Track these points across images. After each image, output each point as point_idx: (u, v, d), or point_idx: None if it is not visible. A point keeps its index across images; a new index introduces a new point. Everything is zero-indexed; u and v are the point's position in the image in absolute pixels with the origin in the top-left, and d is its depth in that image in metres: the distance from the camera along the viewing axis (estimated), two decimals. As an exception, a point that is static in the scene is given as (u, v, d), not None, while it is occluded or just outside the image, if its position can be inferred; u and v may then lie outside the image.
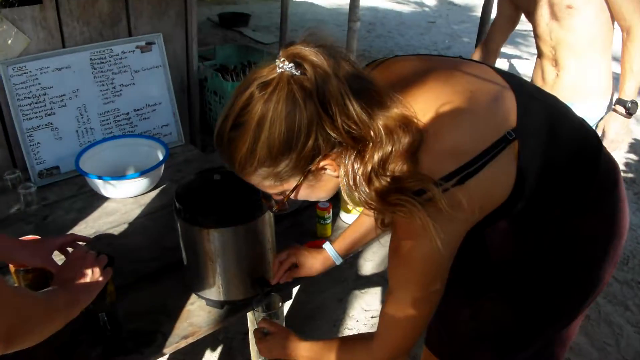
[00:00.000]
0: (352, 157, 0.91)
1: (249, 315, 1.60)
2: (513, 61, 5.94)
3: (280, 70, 0.87)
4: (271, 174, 0.93)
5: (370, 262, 2.75)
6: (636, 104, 1.97)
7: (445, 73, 1.05)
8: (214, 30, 6.79)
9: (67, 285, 1.10)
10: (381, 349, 1.11)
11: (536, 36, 2.14)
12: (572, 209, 1.08)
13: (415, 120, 0.92)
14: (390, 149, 0.89)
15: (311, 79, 0.85)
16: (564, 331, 1.25)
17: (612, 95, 2.14)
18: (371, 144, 0.89)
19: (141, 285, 1.53)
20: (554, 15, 2.01)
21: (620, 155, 4.08)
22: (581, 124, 1.12)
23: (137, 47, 2.29)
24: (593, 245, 1.13)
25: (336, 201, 1.85)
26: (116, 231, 1.77)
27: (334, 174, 0.95)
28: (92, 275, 1.14)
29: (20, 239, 1.32)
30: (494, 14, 4.05)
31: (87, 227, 1.79)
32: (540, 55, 2.20)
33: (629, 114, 2.00)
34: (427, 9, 8.80)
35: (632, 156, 4.22)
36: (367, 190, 0.91)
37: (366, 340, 1.15)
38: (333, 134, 0.87)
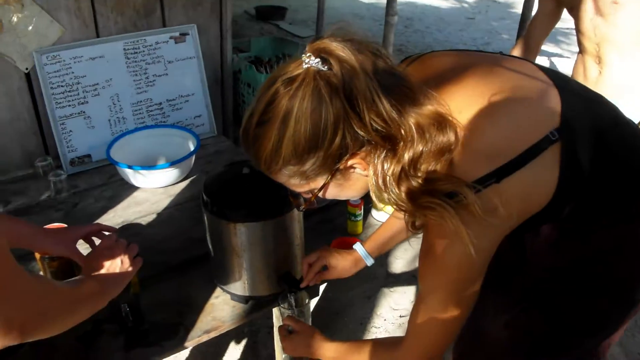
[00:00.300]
0: (382, 156, 0.87)
1: (275, 310, 1.57)
2: (554, 59, 5.77)
3: (307, 65, 0.83)
4: (297, 172, 0.89)
5: (401, 260, 2.69)
6: None
7: (485, 69, 0.99)
8: (251, 23, 6.80)
9: (95, 275, 1.08)
10: (408, 355, 1.06)
11: (579, 32, 2.04)
12: (620, 217, 1.01)
13: (450, 119, 0.88)
14: (422, 148, 0.85)
15: (337, 74, 0.81)
16: (601, 345, 1.18)
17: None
18: (402, 142, 0.85)
19: (167, 276, 1.51)
20: (598, 10, 1.90)
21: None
22: (630, 125, 1.04)
23: (170, 37, 2.28)
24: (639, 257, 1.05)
25: (368, 198, 1.79)
26: (144, 221, 1.76)
27: (363, 173, 0.91)
28: (121, 265, 1.13)
29: (45, 226, 1.31)
30: (535, 10, 3.95)
31: (116, 215, 1.78)
32: (582, 51, 2.09)
33: None
34: (466, 5, 8.65)
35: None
36: (397, 191, 0.87)
37: (393, 345, 1.10)
38: (361, 132, 0.83)
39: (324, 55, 0.83)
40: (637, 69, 1.97)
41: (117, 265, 1.12)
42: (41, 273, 1.41)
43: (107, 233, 1.34)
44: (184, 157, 1.91)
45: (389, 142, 0.85)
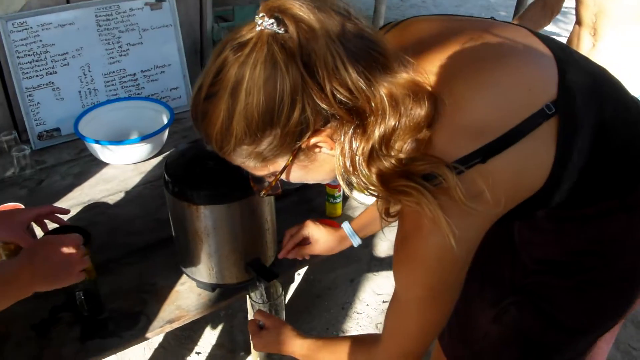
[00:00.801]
0: (350, 133, 0.75)
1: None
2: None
3: (260, 28, 0.72)
4: (253, 153, 0.78)
5: (386, 243, 2.61)
6: None
7: (472, 34, 0.86)
8: (240, -9, 6.60)
9: (35, 263, 0.97)
10: (387, 353, 0.97)
11: (579, 2, 1.93)
12: (619, 206, 0.90)
13: (429, 89, 0.77)
14: (394, 123, 0.74)
15: (293, 37, 0.70)
16: (597, 342, 1.08)
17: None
18: (371, 116, 0.73)
19: (130, 260, 1.43)
20: None
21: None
22: (635, 102, 0.92)
23: (146, 4, 2.14)
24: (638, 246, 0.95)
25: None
26: (111, 200, 1.66)
27: (331, 153, 0.79)
28: (65, 268, 1.00)
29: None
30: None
31: (82, 193, 1.69)
32: (578, 22, 1.98)
33: None
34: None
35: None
36: (367, 173, 0.76)
37: (370, 345, 1.01)
38: (323, 105, 0.72)
39: (278, 15, 0.71)
40: (631, 46, 1.86)
41: (62, 264, 1.00)
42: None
43: (61, 216, 1.25)
44: (155, 132, 1.81)
45: (357, 116, 0.74)
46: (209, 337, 2.08)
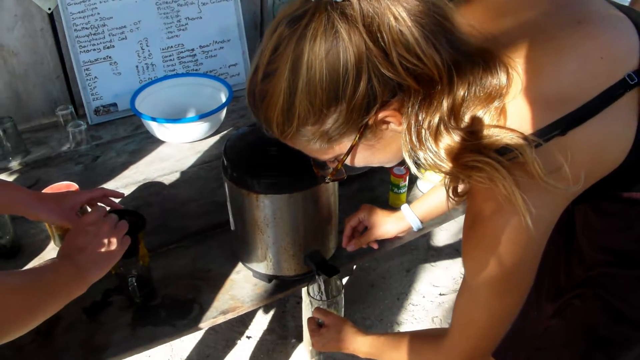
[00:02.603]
0: (416, 105, 0.70)
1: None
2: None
3: None
4: (317, 133, 0.73)
5: (445, 232, 2.49)
6: None
7: (546, 2, 0.80)
8: (300, -34, 6.49)
9: (73, 256, 0.93)
10: (455, 350, 0.90)
11: None
12: None
13: (502, 57, 0.71)
14: (463, 92, 0.69)
15: (353, 2, 0.65)
16: None
17: None
18: (439, 86, 0.68)
19: (185, 244, 1.38)
20: None
21: None
22: None
23: (207, -24, 2.08)
24: None
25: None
26: (167, 180, 1.61)
27: (398, 129, 0.74)
28: (107, 245, 0.96)
29: (49, 187, 1.18)
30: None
31: (137, 172, 1.65)
32: None
33: None
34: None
35: None
36: (435, 148, 0.71)
37: (436, 341, 0.94)
38: (389, 73, 0.66)
39: None
40: None
41: (101, 244, 0.95)
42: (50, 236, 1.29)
43: (115, 199, 1.20)
44: (214, 111, 1.75)
45: (424, 85, 0.68)
46: (261, 322, 2.04)
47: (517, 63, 0.71)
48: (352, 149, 0.77)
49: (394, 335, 1.08)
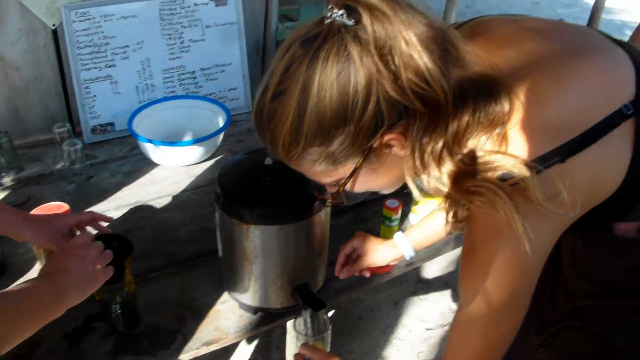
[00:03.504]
0: (422, 130, 0.71)
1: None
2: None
3: (329, 21, 0.68)
4: (323, 154, 0.74)
5: (435, 265, 2.48)
6: None
7: (545, 31, 0.83)
8: (306, -10, 6.55)
9: (56, 277, 0.91)
10: None
11: None
12: None
13: (505, 84, 0.73)
14: (468, 118, 0.70)
15: (367, 26, 0.66)
16: None
17: None
18: (444, 110, 0.69)
19: (173, 270, 1.36)
20: None
21: None
22: None
23: None
24: None
25: (406, 199, 1.61)
26: (159, 203, 1.61)
27: (400, 154, 0.75)
28: (92, 270, 0.95)
29: (39, 208, 1.17)
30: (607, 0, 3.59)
31: (130, 194, 1.64)
32: None
33: None
34: (534, -12, 8.16)
35: None
36: (438, 173, 0.73)
37: None
38: (397, 96, 0.68)
39: (349, 4, 0.67)
40: None
41: (86, 268, 0.94)
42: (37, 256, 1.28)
43: (103, 224, 1.19)
44: (210, 135, 1.75)
45: (430, 109, 0.69)
46: (245, 352, 2.01)
47: (519, 91, 0.73)
48: (354, 172, 0.77)
49: None
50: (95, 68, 1.89)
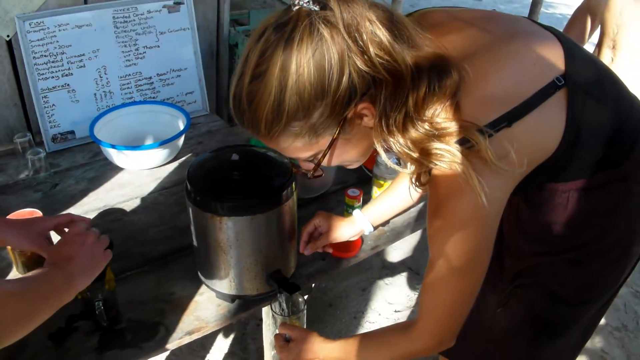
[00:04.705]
0: (388, 99, 0.80)
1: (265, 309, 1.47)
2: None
3: (297, 8, 0.77)
4: (305, 128, 0.82)
5: (398, 251, 2.59)
6: None
7: (483, 19, 0.95)
8: (252, -6, 6.58)
9: (62, 265, 0.97)
10: (425, 334, 0.99)
11: (606, 8, 1.88)
12: (617, 174, 0.96)
13: (452, 62, 0.83)
14: (425, 89, 0.80)
15: (334, 8, 0.76)
16: (598, 314, 1.14)
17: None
18: (404, 83, 0.79)
19: (147, 269, 1.40)
20: None
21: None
22: (627, 89, 1.00)
23: (164, 6, 2.13)
24: (632, 213, 1.00)
25: (367, 188, 1.69)
26: (127, 206, 1.64)
27: (370, 124, 0.85)
28: (92, 254, 1.02)
29: (13, 214, 1.20)
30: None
31: (97, 199, 1.67)
32: (601, 34, 1.96)
33: None
34: (474, -16, 8.42)
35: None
36: (403, 139, 0.82)
37: (405, 329, 1.03)
38: (366, 68, 0.77)
39: None
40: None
41: (87, 254, 1.01)
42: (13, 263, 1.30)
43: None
44: (172, 138, 1.79)
45: (394, 78, 0.79)
46: (221, 345, 2.06)
47: (465, 68, 0.83)
48: (332, 143, 0.85)
49: (362, 335, 1.13)
50: (52, 77, 1.90)
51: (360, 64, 0.76)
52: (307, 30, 0.75)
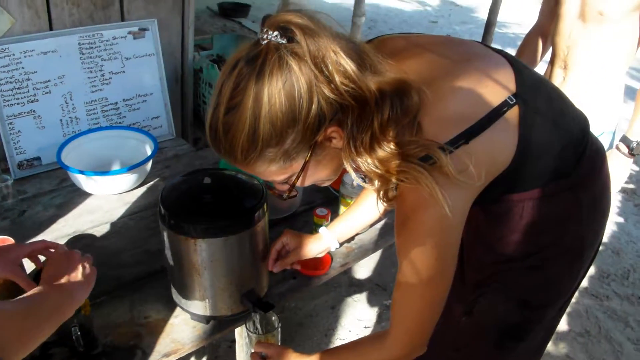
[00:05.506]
0: (354, 123, 0.86)
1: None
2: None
3: (265, 41, 0.82)
4: (279, 153, 0.87)
5: (365, 268, 2.64)
6: None
7: (441, 44, 1.03)
8: (213, 19, 6.63)
9: (57, 283, 1.00)
10: (397, 342, 1.04)
11: (556, 30, 1.98)
12: (566, 183, 1.04)
13: (413, 85, 0.89)
14: (388, 112, 0.85)
15: (300, 41, 0.81)
16: (557, 316, 1.22)
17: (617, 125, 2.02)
18: (369, 107, 0.84)
19: (121, 293, 1.41)
20: (582, 14, 1.86)
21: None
22: (573, 105, 1.09)
23: (129, 32, 2.15)
24: (581, 219, 1.09)
25: (335, 208, 1.74)
26: (97, 231, 1.64)
27: (339, 145, 0.90)
28: (83, 270, 1.05)
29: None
30: (499, 15, 3.94)
31: (66, 225, 1.67)
32: (553, 54, 2.06)
33: (632, 154, 1.85)
34: (429, 8, 8.68)
35: (634, 167, 4.14)
36: (370, 159, 0.87)
37: (378, 339, 1.08)
38: (333, 95, 0.82)
39: (283, 25, 0.82)
40: (599, 88, 1.94)
41: (78, 270, 1.04)
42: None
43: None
44: (141, 162, 1.80)
45: (359, 104, 0.84)
46: (192, 369, 2.06)
47: (424, 91, 0.89)
48: (305, 165, 0.90)
49: (337, 347, 1.18)
50: (18, 104, 1.90)
51: (327, 92, 0.82)
52: (276, 63, 0.80)
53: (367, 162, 0.87)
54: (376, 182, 0.93)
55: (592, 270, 2.93)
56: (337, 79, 0.81)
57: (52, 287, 0.98)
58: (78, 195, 1.81)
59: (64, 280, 1.00)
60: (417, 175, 0.85)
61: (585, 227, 1.10)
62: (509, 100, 0.93)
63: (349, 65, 0.82)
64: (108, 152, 1.96)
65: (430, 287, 0.97)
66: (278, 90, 0.80)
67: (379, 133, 0.85)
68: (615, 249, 3.16)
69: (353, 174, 0.92)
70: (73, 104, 2.03)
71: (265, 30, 0.83)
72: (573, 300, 2.62)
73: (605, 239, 3.24)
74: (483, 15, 3.98)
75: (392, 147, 0.86)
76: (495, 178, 0.96)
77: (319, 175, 0.97)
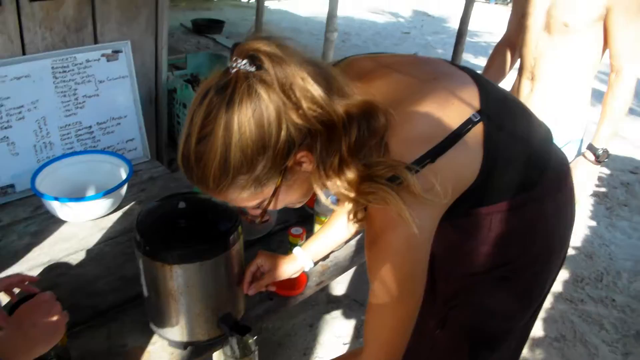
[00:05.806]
0: (322, 147, 0.88)
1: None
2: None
3: (235, 69, 0.84)
4: (250, 180, 0.88)
5: (341, 285, 2.66)
6: (607, 152, 1.89)
7: (407, 64, 1.06)
8: (187, 36, 6.65)
9: (26, 328, 1.00)
10: (372, 358, 1.04)
11: (523, 42, 2.04)
12: (531, 196, 1.07)
13: (379, 107, 0.90)
14: (356, 135, 0.87)
15: (268, 69, 0.82)
16: (528, 324, 1.25)
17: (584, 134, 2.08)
18: (337, 130, 0.86)
19: (98, 321, 1.40)
20: (547, 26, 1.92)
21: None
22: (537, 118, 1.13)
23: (102, 55, 2.16)
24: (547, 229, 1.12)
25: (310, 226, 1.76)
26: (72, 259, 1.64)
27: (309, 169, 0.92)
28: (55, 326, 1.04)
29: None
30: (470, 25, 4.02)
31: (42, 253, 1.66)
32: (521, 65, 2.12)
33: (598, 162, 1.91)
34: (402, 19, 8.81)
35: (605, 170, 4.23)
36: (339, 181, 0.89)
37: (355, 357, 1.09)
38: (301, 121, 0.84)
39: (252, 53, 0.83)
40: (566, 97, 2.00)
41: (51, 324, 1.04)
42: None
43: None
44: (116, 187, 1.80)
45: (327, 128, 0.85)
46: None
47: (390, 112, 0.91)
48: (276, 190, 0.92)
49: None
50: (-10, 131, 1.89)
51: (295, 118, 0.83)
52: (246, 92, 0.82)
53: (336, 185, 0.89)
54: (346, 204, 0.95)
55: (566, 274, 2.99)
56: (305, 104, 0.83)
57: (19, 332, 0.98)
58: (53, 223, 1.80)
59: (33, 328, 1.01)
60: (385, 195, 0.87)
61: (551, 236, 1.14)
62: (473, 118, 0.96)
63: (316, 90, 0.83)
64: (83, 177, 1.95)
65: (401, 303, 0.99)
66: (248, 119, 0.81)
67: (347, 155, 0.87)
68: (588, 253, 3.22)
69: (323, 197, 0.94)
70: (47, 129, 2.03)
71: (234, 58, 0.84)
72: (548, 305, 2.69)
73: (578, 242, 3.31)
74: (455, 25, 4.05)
75: (361, 168, 0.88)
76: (462, 193, 0.99)
77: (290, 198, 0.99)
